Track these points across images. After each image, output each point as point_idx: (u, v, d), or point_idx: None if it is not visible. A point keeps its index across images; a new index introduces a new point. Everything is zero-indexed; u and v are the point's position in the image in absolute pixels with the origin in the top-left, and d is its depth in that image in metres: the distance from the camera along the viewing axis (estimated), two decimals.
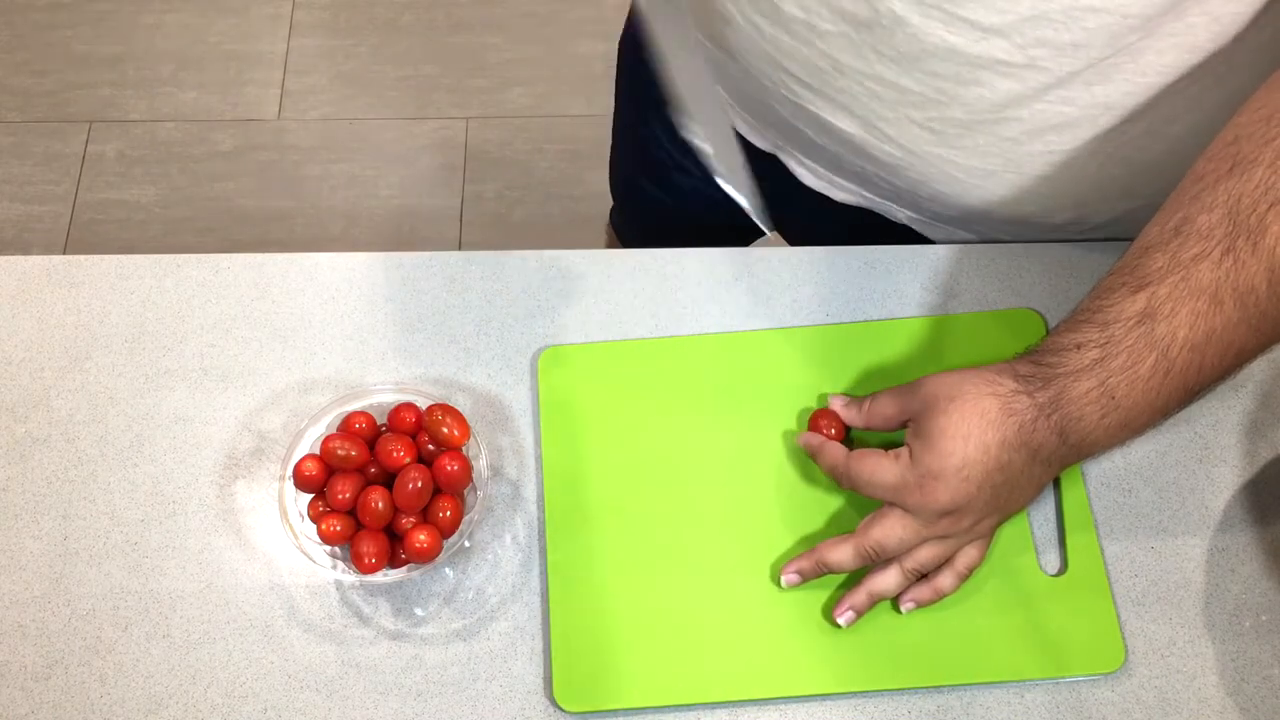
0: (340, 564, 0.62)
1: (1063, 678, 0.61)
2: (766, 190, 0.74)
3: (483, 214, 1.78)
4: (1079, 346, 0.53)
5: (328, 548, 0.62)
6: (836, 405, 0.65)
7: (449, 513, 0.61)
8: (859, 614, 0.61)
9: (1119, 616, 0.62)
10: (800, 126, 0.74)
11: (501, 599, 0.64)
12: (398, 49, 1.92)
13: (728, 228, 0.86)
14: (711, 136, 0.61)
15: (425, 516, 0.62)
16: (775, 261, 0.73)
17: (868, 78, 0.64)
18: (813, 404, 0.68)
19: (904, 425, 0.60)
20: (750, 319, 0.71)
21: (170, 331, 0.72)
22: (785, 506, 0.65)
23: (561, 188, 1.80)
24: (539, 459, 0.67)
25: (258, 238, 1.76)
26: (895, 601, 0.62)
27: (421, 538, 0.60)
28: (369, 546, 0.60)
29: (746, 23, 0.68)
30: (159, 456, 0.68)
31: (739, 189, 0.62)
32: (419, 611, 0.64)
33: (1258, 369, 0.69)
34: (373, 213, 1.78)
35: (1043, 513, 0.66)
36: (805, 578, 0.62)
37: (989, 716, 0.61)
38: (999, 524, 0.60)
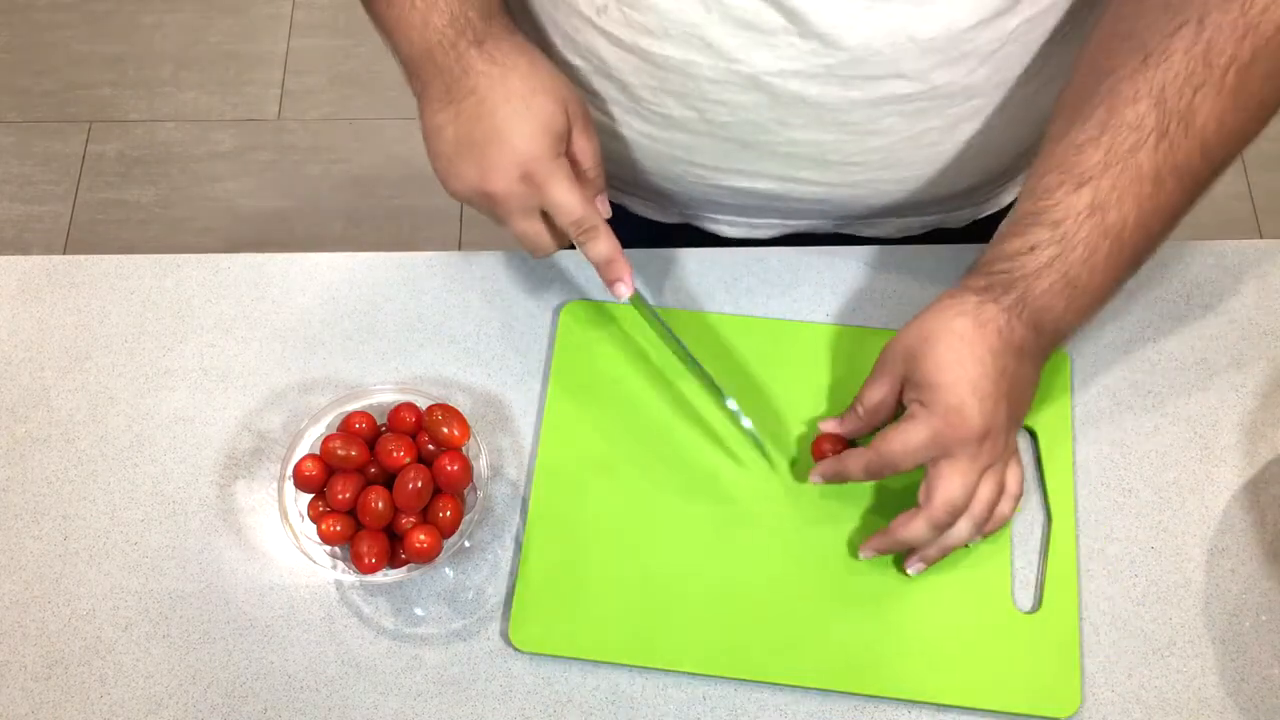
0: (340, 564, 0.62)
1: (1013, 714, 0.60)
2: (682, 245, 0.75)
3: (483, 214, 1.78)
4: (1033, 248, 0.55)
5: (328, 548, 0.62)
6: (831, 427, 0.65)
7: (449, 513, 0.61)
8: (929, 565, 0.62)
9: (1082, 664, 0.61)
10: (713, 198, 0.74)
11: (501, 599, 0.64)
12: None
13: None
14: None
15: (425, 516, 0.62)
16: (774, 261, 0.73)
17: (779, 144, 0.65)
18: (817, 397, 0.68)
19: (901, 400, 0.61)
20: (751, 315, 0.71)
21: (170, 331, 0.72)
22: (775, 492, 0.66)
23: None
24: (536, 453, 0.67)
25: (258, 238, 1.76)
26: (900, 566, 0.63)
27: (421, 538, 0.60)
28: (369, 546, 0.60)
29: (634, 134, 0.68)
30: (159, 456, 0.68)
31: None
32: (419, 611, 0.64)
33: (1258, 369, 0.69)
34: (373, 213, 1.78)
35: (1028, 548, 0.65)
36: (882, 554, 0.62)
37: None
38: (1015, 434, 0.61)
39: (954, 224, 0.82)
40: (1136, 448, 0.67)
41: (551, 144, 0.59)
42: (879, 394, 0.61)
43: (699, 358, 0.65)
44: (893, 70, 0.58)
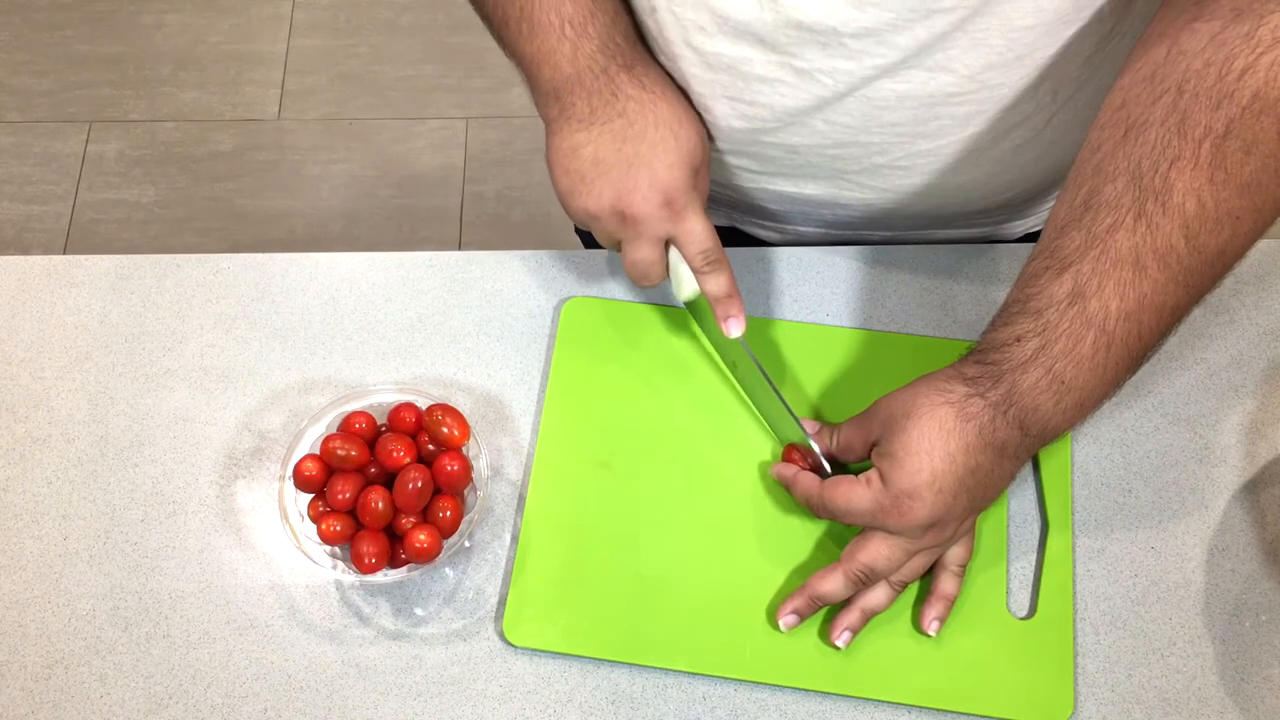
0: (340, 564, 0.62)
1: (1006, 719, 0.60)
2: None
3: (483, 214, 1.78)
4: (1018, 339, 0.53)
5: (328, 548, 0.62)
6: (809, 430, 0.64)
7: (449, 513, 0.61)
8: (855, 633, 0.61)
9: (1080, 667, 0.61)
10: (759, 203, 0.74)
11: (501, 599, 0.64)
12: (398, 49, 1.92)
13: None
14: None
15: (425, 516, 0.62)
16: (775, 261, 0.73)
17: (826, 148, 0.64)
18: (814, 399, 0.68)
19: (870, 453, 0.60)
20: (752, 315, 0.71)
21: (170, 331, 0.72)
22: (772, 492, 0.66)
23: None
24: (535, 446, 0.67)
25: (258, 238, 1.76)
26: (916, 622, 0.62)
27: (421, 538, 0.60)
28: (369, 546, 0.60)
29: None
30: (159, 456, 0.68)
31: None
32: (419, 611, 0.64)
33: (1258, 369, 0.69)
34: (373, 213, 1.78)
35: (1024, 553, 0.65)
36: (803, 616, 0.61)
37: None
38: (970, 521, 0.60)
39: (1005, 236, 0.80)
40: (1136, 448, 0.67)
41: (691, 175, 0.61)
42: (852, 439, 0.61)
43: (698, 357, 0.65)
44: (943, 64, 0.56)
